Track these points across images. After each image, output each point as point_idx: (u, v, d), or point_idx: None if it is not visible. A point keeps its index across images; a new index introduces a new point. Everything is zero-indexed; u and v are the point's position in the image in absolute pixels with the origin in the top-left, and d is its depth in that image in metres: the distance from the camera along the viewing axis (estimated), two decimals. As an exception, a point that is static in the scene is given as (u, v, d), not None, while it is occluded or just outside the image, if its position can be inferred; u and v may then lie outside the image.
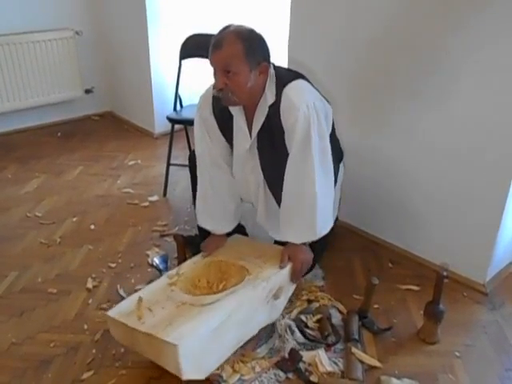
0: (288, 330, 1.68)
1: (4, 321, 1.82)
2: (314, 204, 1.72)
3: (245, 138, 1.79)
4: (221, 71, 1.60)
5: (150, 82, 3.39)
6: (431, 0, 1.85)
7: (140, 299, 1.58)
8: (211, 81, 1.69)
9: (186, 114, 2.72)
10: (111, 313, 1.56)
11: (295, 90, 1.67)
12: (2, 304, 1.91)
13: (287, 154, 1.72)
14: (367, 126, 2.22)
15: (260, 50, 1.64)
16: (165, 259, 2.08)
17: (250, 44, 1.60)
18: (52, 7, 3.42)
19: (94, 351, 1.68)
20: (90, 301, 1.92)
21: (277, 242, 1.95)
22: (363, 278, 2.06)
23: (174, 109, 2.78)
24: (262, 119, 1.72)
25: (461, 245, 2.03)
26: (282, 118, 1.68)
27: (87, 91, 3.71)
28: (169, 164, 2.75)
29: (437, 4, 1.83)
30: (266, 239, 2.00)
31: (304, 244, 1.82)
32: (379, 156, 2.20)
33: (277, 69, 1.73)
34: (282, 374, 1.58)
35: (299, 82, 1.71)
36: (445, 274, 1.68)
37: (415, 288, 2.01)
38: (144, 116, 3.61)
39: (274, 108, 1.68)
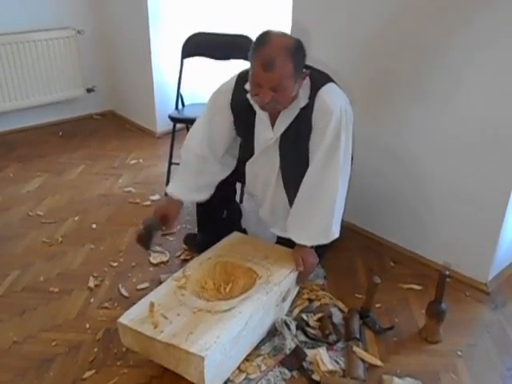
0: (284, 326, 1.67)
1: (5, 320, 1.82)
2: (333, 208, 1.73)
3: (267, 135, 1.77)
4: (269, 88, 1.56)
5: (152, 81, 3.39)
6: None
7: (152, 304, 1.55)
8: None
9: (187, 113, 2.71)
10: (123, 320, 1.51)
11: (329, 94, 1.68)
12: (4, 303, 1.91)
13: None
14: (369, 124, 2.22)
15: (303, 60, 1.62)
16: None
17: (297, 59, 1.57)
18: (54, 6, 3.42)
19: (95, 350, 1.68)
20: (92, 300, 1.92)
21: (279, 240, 1.96)
22: (365, 277, 2.06)
23: (176, 108, 2.78)
24: (290, 120, 1.70)
25: (463, 244, 2.02)
26: (313, 119, 1.67)
27: (89, 90, 3.71)
28: (170, 163, 2.74)
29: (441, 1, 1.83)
30: (267, 238, 2.00)
31: (312, 247, 1.82)
32: (382, 156, 2.20)
33: (310, 69, 1.71)
34: (287, 371, 1.58)
35: (332, 86, 1.71)
36: (447, 273, 1.68)
37: (417, 287, 2.01)
38: (146, 115, 3.61)
39: (306, 110, 1.67)
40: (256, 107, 1.72)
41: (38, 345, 1.71)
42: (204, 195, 1.90)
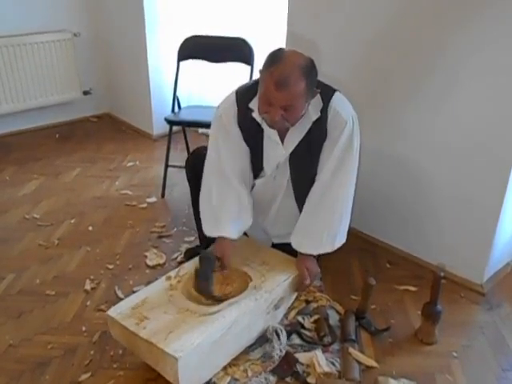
0: (274, 334, 1.66)
1: (1, 323, 1.82)
2: (341, 216, 1.74)
3: (278, 152, 1.74)
4: (280, 107, 1.53)
5: (148, 84, 3.39)
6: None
7: (139, 300, 1.57)
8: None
9: (184, 116, 2.72)
10: (111, 312, 1.55)
11: (340, 103, 1.67)
12: (0, 306, 1.90)
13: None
14: (364, 126, 2.22)
15: (315, 79, 1.59)
16: None
17: (310, 78, 1.54)
18: (50, 9, 3.42)
19: (91, 353, 1.68)
20: (88, 302, 1.92)
21: (274, 246, 1.97)
22: (361, 278, 2.07)
23: (172, 110, 2.78)
24: (300, 136, 1.68)
25: (458, 245, 2.03)
26: (328, 129, 1.66)
27: (85, 93, 3.71)
28: (167, 165, 2.75)
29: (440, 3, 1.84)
30: (262, 239, 1.99)
31: (315, 256, 1.82)
32: (376, 157, 2.20)
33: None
34: (272, 378, 1.57)
35: (338, 95, 1.69)
36: (442, 274, 1.69)
37: (413, 288, 2.02)
38: (142, 117, 3.61)
39: (319, 121, 1.66)
40: (264, 125, 1.68)
41: (33, 348, 1.71)
42: (249, 221, 1.82)
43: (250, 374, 1.58)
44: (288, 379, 1.58)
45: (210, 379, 1.54)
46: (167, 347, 1.38)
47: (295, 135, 1.69)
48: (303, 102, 1.56)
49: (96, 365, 1.63)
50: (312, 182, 1.76)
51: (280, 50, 1.58)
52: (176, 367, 1.36)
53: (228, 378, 1.55)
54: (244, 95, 1.71)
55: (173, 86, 2.79)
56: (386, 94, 2.11)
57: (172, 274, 1.73)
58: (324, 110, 1.65)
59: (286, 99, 1.51)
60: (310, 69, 1.55)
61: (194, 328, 1.46)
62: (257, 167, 1.83)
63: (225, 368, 1.58)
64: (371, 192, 2.26)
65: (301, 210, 1.82)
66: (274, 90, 1.50)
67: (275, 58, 1.53)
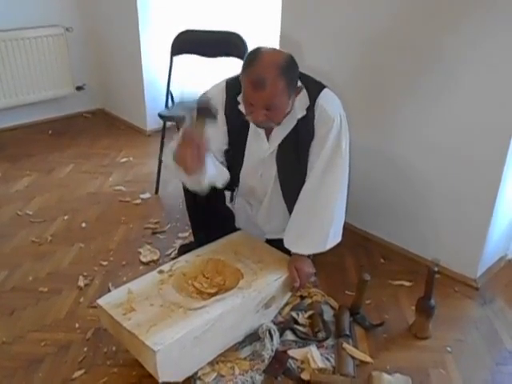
0: (268, 334, 1.65)
1: (-6, 320, 1.81)
2: (332, 215, 1.73)
3: (263, 147, 1.74)
4: (261, 107, 1.53)
5: (142, 79, 3.37)
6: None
7: (130, 292, 1.59)
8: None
9: (177, 111, 2.70)
10: (101, 301, 1.56)
11: (327, 101, 1.66)
12: (-7, 303, 1.90)
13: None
14: (359, 125, 2.22)
15: (296, 76, 1.58)
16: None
17: (289, 76, 1.53)
18: (42, 4, 3.38)
19: (85, 350, 1.68)
20: (82, 299, 1.91)
21: (268, 241, 1.96)
22: (355, 273, 2.07)
23: (166, 106, 2.77)
24: (286, 132, 1.68)
25: (452, 240, 2.04)
26: (315, 127, 1.66)
27: (78, 88, 3.68)
28: (160, 161, 2.73)
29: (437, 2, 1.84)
30: (256, 234, 1.99)
31: (308, 256, 1.81)
32: (371, 152, 2.20)
33: (302, 78, 1.66)
34: (258, 376, 1.56)
35: (327, 92, 1.68)
36: (436, 269, 1.69)
37: (407, 284, 2.02)
38: (136, 113, 3.59)
39: (306, 119, 1.65)
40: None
41: (26, 345, 1.70)
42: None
43: (236, 371, 1.57)
44: (279, 378, 1.57)
45: (196, 374, 1.54)
46: (147, 340, 1.39)
47: (280, 131, 1.69)
48: (285, 99, 1.55)
49: (89, 362, 1.63)
50: (299, 180, 1.74)
51: (257, 49, 1.56)
52: (155, 360, 1.37)
53: (214, 374, 1.55)
54: (233, 86, 1.69)
55: (166, 81, 2.77)
56: (382, 93, 2.11)
57: (165, 267, 1.73)
58: (310, 108, 1.64)
59: (265, 99, 1.50)
60: (289, 65, 1.53)
61: (177, 322, 1.47)
62: (236, 161, 1.80)
63: (212, 364, 1.58)
64: (365, 188, 2.26)
65: (289, 209, 1.81)
66: (251, 91, 1.50)
67: (251, 58, 1.53)
